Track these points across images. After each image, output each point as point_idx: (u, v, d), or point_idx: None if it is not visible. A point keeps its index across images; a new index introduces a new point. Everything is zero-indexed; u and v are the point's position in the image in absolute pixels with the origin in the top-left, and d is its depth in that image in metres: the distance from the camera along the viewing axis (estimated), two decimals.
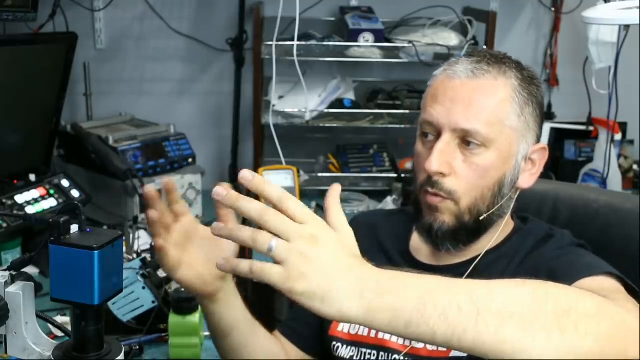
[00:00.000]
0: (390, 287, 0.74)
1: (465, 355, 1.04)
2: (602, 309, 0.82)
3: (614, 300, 0.89)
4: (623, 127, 2.65)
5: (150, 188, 1.05)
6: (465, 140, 1.06)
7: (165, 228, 1.02)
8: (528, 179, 1.14)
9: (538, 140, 1.13)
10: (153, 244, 1.03)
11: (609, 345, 0.79)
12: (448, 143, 1.07)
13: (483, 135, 1.05)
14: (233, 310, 1.09)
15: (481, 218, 1.10)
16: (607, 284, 0.98)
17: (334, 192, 0.82)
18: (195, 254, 1.05)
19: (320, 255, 0.74)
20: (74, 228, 0.80)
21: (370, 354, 1.13)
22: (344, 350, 1.15)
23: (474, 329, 0.74)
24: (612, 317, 0.82)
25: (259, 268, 0.73)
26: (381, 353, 1.12)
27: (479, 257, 1.13)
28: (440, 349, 1.07)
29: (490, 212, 1.10)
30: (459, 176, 1.07)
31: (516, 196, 1.14)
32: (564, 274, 0.97)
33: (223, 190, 0.75)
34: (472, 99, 1.06)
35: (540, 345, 0.76)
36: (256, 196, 0.77)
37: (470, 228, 1.10)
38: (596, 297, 0.85)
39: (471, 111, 1.05)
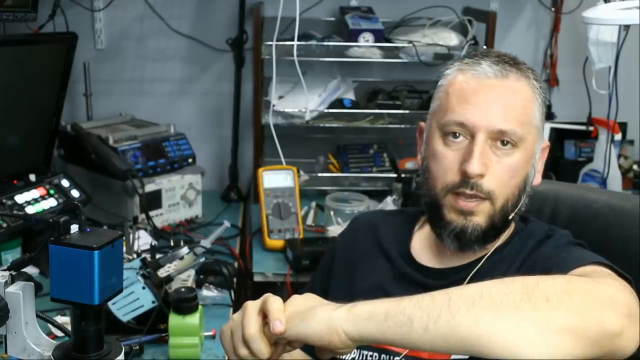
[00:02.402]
0: (366, 302, 0.87)
1: (466, 357, 1.04)
2: (573, 283, 0.84)
3: (593, 278, 0.89)
4: (623, 127, 2.65)
5: None
6: (501, 140, 1.06)
7: None
8: (537, 176, 1.15)
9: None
10: None
11: (585, 317, 0.79)
12: (484, 144, 1.06)
13: (519, 135, 1.06)
14: None
15: (510, 217, 1.11)
16: (595, 269, 0.98)
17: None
18: None
19: None
20: (74, 228, 0.80)
21: (371, 356, 1.12)
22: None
23: (447, 312, 0.80)
24: (583, 289, 0.83)
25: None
26: (382, 355, 1.12)
27: (484, 259, 1.13)
28: (443, 353, 1.07)
29: (516, 210, 1.11)
30: (495, 176, 1.07)
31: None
32: (557, 270, 0.97)
33: None
34: (507, 99, 1.06)
35: (515, 320, 0.77)
36: None
37: (499, 228, 1.11)
38: (567, 275, 0.86)
39: (507, 112, 1.06)
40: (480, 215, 1.09)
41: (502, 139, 1.06)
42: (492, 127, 1.05)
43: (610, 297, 0.83)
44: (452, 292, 0.83)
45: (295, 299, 0.93)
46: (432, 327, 0.80)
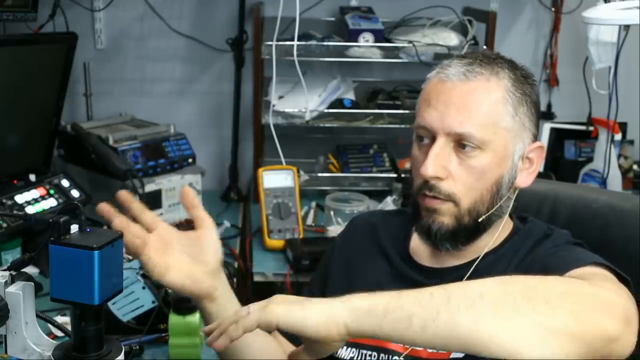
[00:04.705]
0: (362, 294, 0.85)
1: (462, 355, 1.04)
2: (572, 286, 0.84)
3: (592, 281, 0.89)
4: (623, 127, 2.65)
5: (102, 205, 1.06)
6: (460, 143, 1.07)
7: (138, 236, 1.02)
8: (526, 177, 1.14)
9: (535, 139, 1.13)
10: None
11: (584, 321, 0.80)
12: (443, 147, 1.07)
13: (477, 138, 1.06)
14: (230, 308, 1.09)
15: (480, 219, 1.10)
16: (594, 271, 0.97)
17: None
18: (179, 255, 1.05)
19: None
20: (74, 228, 0.80)
21: (370, 355, 1.13)
22: (344, 352, 1.14)
23: (447, 310, 0.80)
24: (583, 293, 0.84)
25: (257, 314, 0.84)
26: (381, 355, 1.12)
27: (479, 259, 1.13)
28: (440, 350, 1.07)
29: (489, 212, 1.10)
30: (456, 179, 1.08)
31: (515, 196, 1.15)
32: (555, 269, 0.97)
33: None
34: (465, 102, 1.06)
35: (515, 321, 0.78)
36: None
37: (470, 229, 1.11)
38: (566, 277, 0.86)
39: (464, 115, 1.06)
40: (445, 215, 1.09)
41: (461, 141, 1.06)
42: (449, 130, 1.06)
43: (609, 301, 0.84)
44: (452, 290, 0.82)
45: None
46: (431, 326, 0.80)
